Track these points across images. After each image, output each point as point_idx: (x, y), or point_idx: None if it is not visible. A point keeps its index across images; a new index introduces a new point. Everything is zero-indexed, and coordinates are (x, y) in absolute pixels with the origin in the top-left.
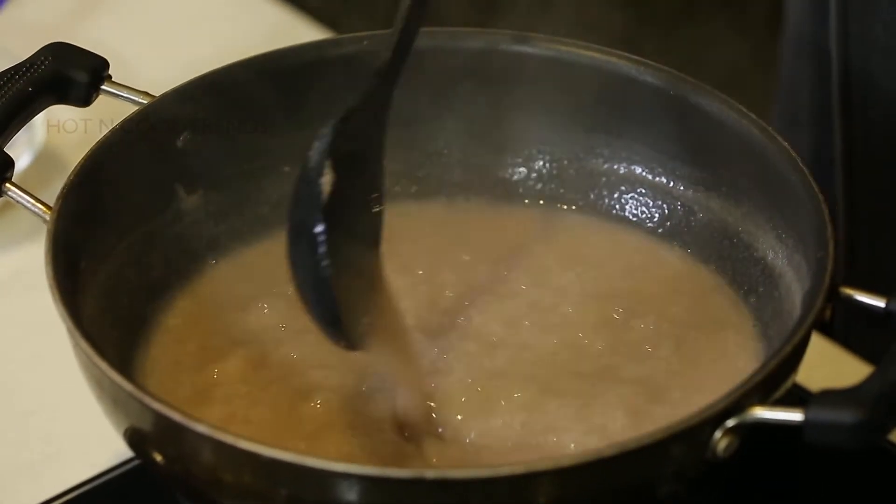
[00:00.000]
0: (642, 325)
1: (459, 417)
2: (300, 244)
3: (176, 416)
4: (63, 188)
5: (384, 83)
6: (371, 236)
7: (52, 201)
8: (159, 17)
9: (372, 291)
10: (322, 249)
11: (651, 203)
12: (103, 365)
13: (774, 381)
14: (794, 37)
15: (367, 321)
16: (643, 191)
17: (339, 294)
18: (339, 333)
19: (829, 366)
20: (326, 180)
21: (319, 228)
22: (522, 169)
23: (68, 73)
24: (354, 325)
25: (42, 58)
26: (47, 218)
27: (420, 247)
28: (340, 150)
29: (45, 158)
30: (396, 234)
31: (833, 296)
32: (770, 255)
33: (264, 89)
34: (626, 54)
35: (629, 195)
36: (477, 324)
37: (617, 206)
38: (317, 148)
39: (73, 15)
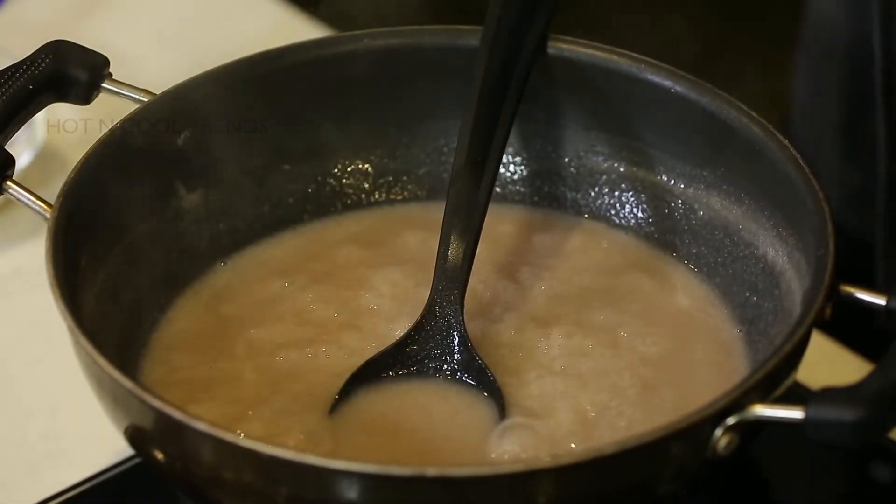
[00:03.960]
0: (629, 328)
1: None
2: None
3: (176, 414)
4: (64, 186)
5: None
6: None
7: (52, 199)
8: (160, 15)
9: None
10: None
11: (651, 201)
12: (103, 363)
13: (775, 379)
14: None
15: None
16: (643, 189)
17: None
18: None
19: (829, 364)
20: None
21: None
22: (522, 168)
23: (69, 71)
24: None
25: (42, 56)
26: (48, 216)
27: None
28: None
29: (45, 156)
30: (398, 231)
31: (833, 294)
32: (770, 253)
33: (264, 87)
34: (626, 52)
35: (629, 193)
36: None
37: (617, 205)
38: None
39: (74, 13)
